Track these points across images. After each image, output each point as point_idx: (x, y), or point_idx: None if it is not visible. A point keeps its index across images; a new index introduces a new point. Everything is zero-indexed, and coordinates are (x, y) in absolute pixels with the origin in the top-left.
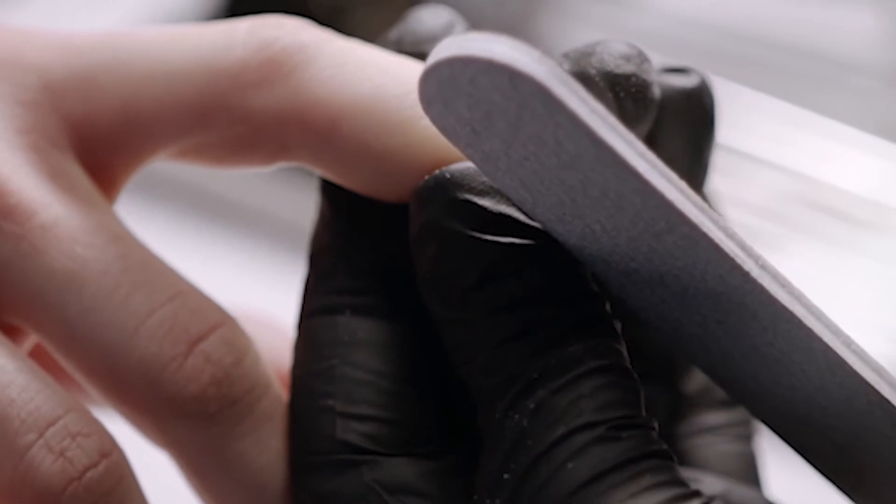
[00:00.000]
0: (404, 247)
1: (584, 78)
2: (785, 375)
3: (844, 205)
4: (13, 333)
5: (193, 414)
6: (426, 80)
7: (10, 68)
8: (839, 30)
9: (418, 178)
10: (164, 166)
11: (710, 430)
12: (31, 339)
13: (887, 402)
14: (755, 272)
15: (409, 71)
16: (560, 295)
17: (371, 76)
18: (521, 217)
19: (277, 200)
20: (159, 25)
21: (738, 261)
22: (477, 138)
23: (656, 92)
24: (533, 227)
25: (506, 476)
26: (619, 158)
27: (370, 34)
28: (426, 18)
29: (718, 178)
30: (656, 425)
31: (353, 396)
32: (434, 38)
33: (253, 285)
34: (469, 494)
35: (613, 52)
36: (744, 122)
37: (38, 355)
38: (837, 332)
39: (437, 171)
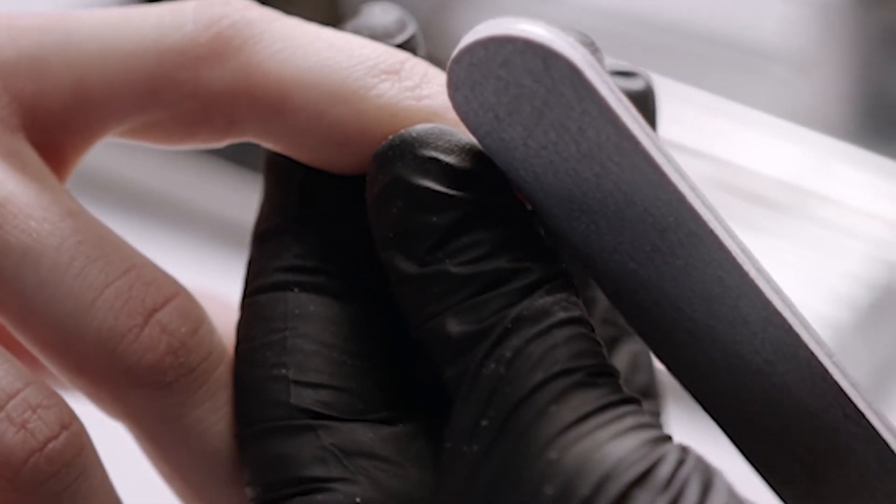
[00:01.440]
0: (352, 226)
1: None
2: (767, 388)
3: (763, 189)
4: None
5: (150, 383)
6: (458, 62)
7: None
8: (753, 18)
9: (370, 147)
10: (90, 163)
11: None
12: None
13: (862, 415)
14: (753, 274)
15: (356, 45)
16: (526, 250)
17: (319, 50)
18: (486, 174)
19: (201, 193)
20: (103, 8)
21: (739, 260)
22: (499, 125)
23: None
24: (497, 186)
25: (484, 423)
26: (641, 148)
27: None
28: (379, 14)
29: None
30: (620, 374)
31: (306, 366)
32: (388, 33)
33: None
34: (423, 460)
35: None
36: (665, 111)
37: None
38: (821, 342)
39: (401, 131)
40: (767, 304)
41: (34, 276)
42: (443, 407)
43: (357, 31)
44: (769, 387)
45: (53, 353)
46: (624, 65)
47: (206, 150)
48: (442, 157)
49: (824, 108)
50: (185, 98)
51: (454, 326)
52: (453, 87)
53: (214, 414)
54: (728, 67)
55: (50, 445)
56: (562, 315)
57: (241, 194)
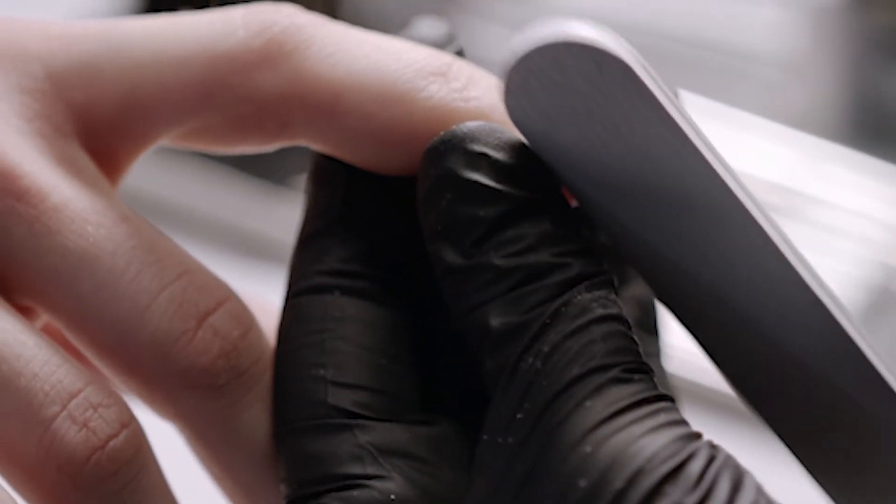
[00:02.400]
0: (393, 231)
1: None
2: (806, 376)
3: (757, 192)
4: (24, 313)
5: (203, 386)
6: (516, 68)
7: (14, 58)
8: (744, 22)
9: (419, 148)
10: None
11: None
12: (42, 320)
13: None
14: (802, 271)
15: (403, 48)
16: (569, 246)
17: (368, 53)
18: (534, 171)
19: (213, 202)
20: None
21: (787, 256)
22: (550, 126)
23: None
24: (543, 182)
25: (519, 416)
26: (691, 146)
27: None
28: (426, 27)
29: None
30: (654, 372)
31: (344, 367)
32: (436, 47)
33: None
34: (456, 461)
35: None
36: None
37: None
38: (863, 333)
39: (452, 128)
40: (815, 301)
41: (91, 281)
42: (476, 410)
43: None
44: (808, 375)
45: (108, 355)
46: None
47: (221, 158)
48: (491, 152)
49: (818, 111)
50: (239, 102)
51: (495, 318)
52: (508, 92)
53: (264, 415)
54: (721, 71)
55: (111, 444)
56: (600, 311)
57: (253, 204)
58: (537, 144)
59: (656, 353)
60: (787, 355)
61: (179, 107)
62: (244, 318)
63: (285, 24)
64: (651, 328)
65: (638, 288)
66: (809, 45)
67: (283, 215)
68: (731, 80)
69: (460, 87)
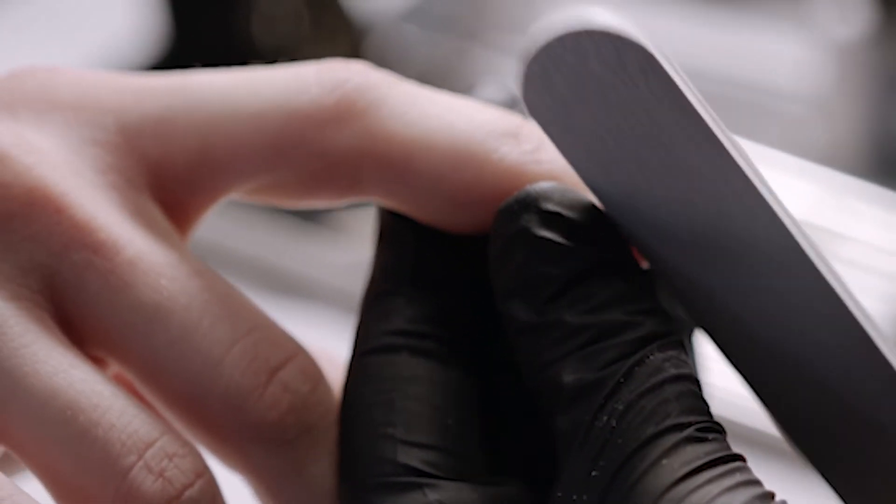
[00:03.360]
0: (460, 292)
1: None
2: (851, 414)
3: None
4: (96, 364)
5: (273, 439)
6: (535, 59)
7: (88, 111)
8: (767, 59)
9: (491, 208)
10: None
11: None
12: (112, 370)
13: None
14: (812, 254)
15: (474, 109)
16: (640, 305)
17: (440, 113)
18: (605, 231)
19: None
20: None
21: (806, 252)
22: (566, 113)
23: None
24: (614, 242)
25: (594, 473)
26: (709, 132)
27: None
28: (492, 91)
29: None
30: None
31: (413, 427)
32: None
33: None
34: None
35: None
36: None
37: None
38: None
39: (525, 187)
40: (878, 354)
41: (164, 334)
42: (540, 471)
43: None
44: (864, 422)
45: (180, 408)
46: None
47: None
48: (564, 211)
49: (841, 146)
50: (311, 159)
51: (568, 375)
52: (525, 81)
53: (332, 470)
54: (745, 108)
55: (187, 493)
56: (673, 371)
57: (284, 240)
58: (552, 130)
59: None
60: (844, 404)
61: (252, 162)
62: (313, 374)
63: (358, 81)
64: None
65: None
66: (832, 82)
67: (312, 252)
68: (755, 116)
69: (531, 148)
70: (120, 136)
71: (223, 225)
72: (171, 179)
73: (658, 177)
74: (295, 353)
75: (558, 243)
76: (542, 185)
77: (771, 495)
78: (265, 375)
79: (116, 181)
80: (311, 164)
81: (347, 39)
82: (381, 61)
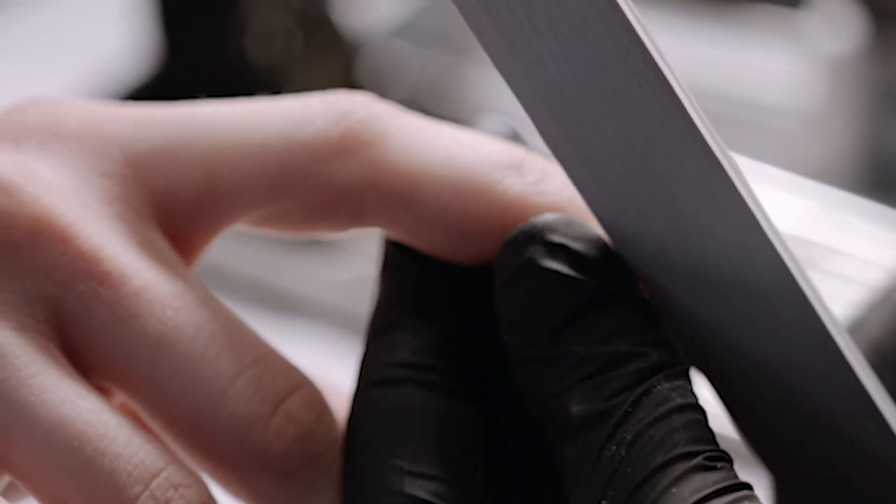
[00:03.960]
0: (463, 324)
1: None
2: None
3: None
4: (101, 394)
5: (278, 470)
6: None
7: (94, 142)
8: (759, 75)
9: (495, 239)
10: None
11: None
12: (117, 399)
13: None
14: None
15: (478, 140)
16: (646, 336)
17: (445, 146)
18: (610, 263)
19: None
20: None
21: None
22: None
23: None
24: (622, 272)
25: (603, 503)
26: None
27: (306, 91)
28: (492, 125)
29: None
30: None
31: (419, 458)
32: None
33: None
34: None
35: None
36: None
37: None
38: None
39: (531, 219)
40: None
41: (169, 364)
42: (540, 501)
43: None
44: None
45: (185, 437)
46: None
47: None
48: (570, 243)
49: (833, 161)
50: (316, 190)
51: (575, 406)
52: None
53: (338, 500)
54: (737, 123)
55: None
56: (680, 401)
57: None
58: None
59: None
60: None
61: (256, 193)
62: (318, 404)
63: (362, 113)
64: None
65: None
66: (824, 97)
67: (312, 270)
68: (747, 131)
69: (535, 180)
70: (126, 167)
71: (223, 245)
72: (176, 210)
73: (658, 207)
74: (300, 384)
75: (564, 274)
76: (548, 217)
77: None
78: (270, 406)
79: (123, 212)
80: (314, 196)
81: (340, 56)
82: (374, 78)
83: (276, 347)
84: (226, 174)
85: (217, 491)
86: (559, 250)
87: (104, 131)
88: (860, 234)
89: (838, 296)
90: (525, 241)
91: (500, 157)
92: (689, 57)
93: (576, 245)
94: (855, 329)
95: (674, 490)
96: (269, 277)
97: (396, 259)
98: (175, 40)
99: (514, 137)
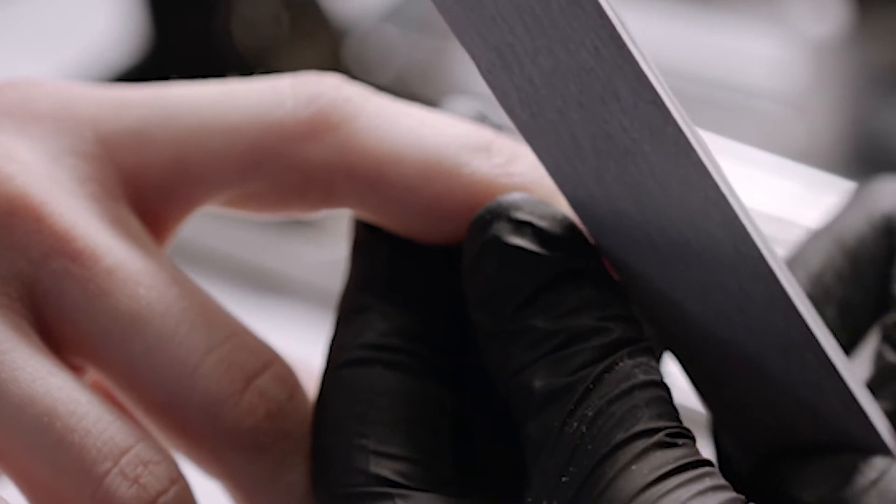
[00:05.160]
0: (433, 306)
1: None
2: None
3: (759, 224)
4: (74, 372)
5: (250, 446)
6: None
7: (67, 122)
8: (745, 58)
9: (462, 219)
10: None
11: None
12: (90, 377)
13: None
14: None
15: (447, 123)
16: (610, 311)
17: (413, 127)
18: (576, 239)
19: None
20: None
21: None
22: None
23: None
24: (587, 249)
25: (565, 479)
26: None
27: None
28: (459, 107)
29: None
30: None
31: (386, 438)
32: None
33: None
34: None
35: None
36: None
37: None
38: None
39: (497, 198)
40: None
41: (142, 342)
42: (510, 484)
43: None
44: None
45: (157, 414)
46: None
47: None
48: (535, 220)
49: (818, 144)
50: (285, 171)
51: (538, 381)
52: None
53: (309, 476)
54: (723, 106)
55: (161, 499)
56: (642, 377)
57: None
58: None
59: None
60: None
61: (227, 174)
62: (290, 381)
63: (332, 95)
64: None
65: None
66: (809, 80)
67: (292, 250)
68: (733, 114)
69: (503, 161)
70: (98, 146)
71: (203, 224)
72: (148, 190)
73: (625, 178)
74: (272, 361)
75: (529, 251)
76: (514, 196)
77: (742, 500)
78: (242, 382)
79: (95, 191)
80: (284, 176)
81: (327, 41)
82: (361, 62)
83: (254, 326)
84: (197, 154)
85: (189, 469)
86: (524, 227)
87: (78, 112)
88: None
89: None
90: (491, 218)
91: (468, 139)
92: (674, 41)
93: (541, 222)
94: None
95: (633, 467)
96: (252, 257)
97: (368, 240)
98: (162, 25)
99: (483, 119)
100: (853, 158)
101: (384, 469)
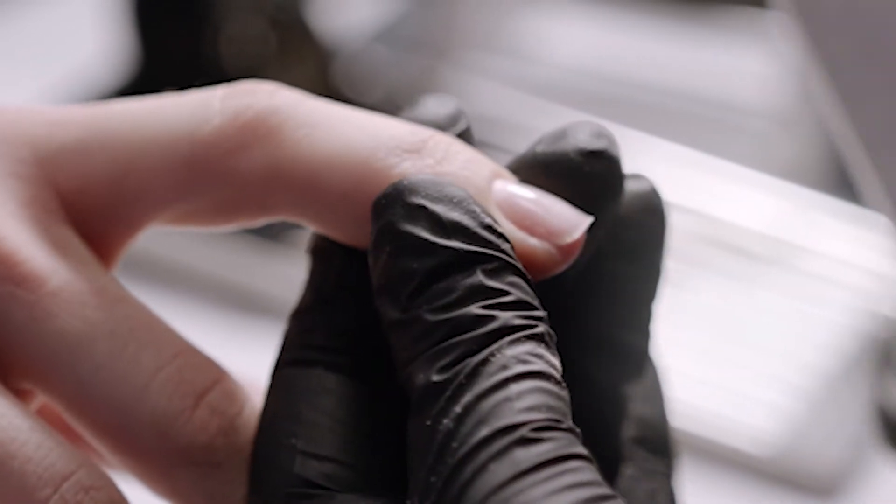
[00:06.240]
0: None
1: (560, 155)
2: None
3: (745, 242)
4: (21, 396)
5: (203, 463)
6: None
7: (6, 144)
8: (732, 76)
9: None
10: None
11: (642, 475)
12: (38, 401)
13: None
14: None
15: (380, 125)
16: (499, 299)
17: (344, 132)
18: (471, 224)
19: (231, 266)
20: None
21: None
22: None
23: (623, 169)
24: (480, 235)
25: (432, 479)
26: None
27: None
28: (432, 106)
29: None
30: (579, 432)
31: (316, 438)
32: (438, 127)
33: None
34: None
35: (585, 131)
36: (647, 168)
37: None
38: None
39: (395, 181)
40: None
41: (89, 362)
42: None
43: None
44: None
45: (107, 435)
46: (631, 171)
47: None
48: (429, 204)
49: (804, 161)
50: (221, 186)
51: (419, 376)
52: None
53: None
54: (709, 123)
55: None
56: (519, 368)
57: (247, 259)
58: None
59: (665, 472)
60: None
61: (164, 192)
62: (239, 396)
63: (260, 107)
64: (659, 448)
65: (643, 406)
66: (795, 97)
67: (275, 270)
68: (719, 131)
69: (434, 162)
70: (37, 168)
71: (185, 244)
72: (89, 210)
73: None
74: (220, 377)
75: (420, 237)
76: (411, 179)
77: (608, 496)
78: (193, 399)
79: (38, 213)
80: (220, 192)
81: (315, 60)
82: (350, 81)
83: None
84: (133, 174)
85: (142, 491)
86: (418, 212)
87: (16, 133)
88: (832, 233)
89: (810, 294)
90: (386, 204)
91: (399, 141)
92: (660, 58)
93: (434, 206)
94: None
95: (491, 466)
96: (233, 276)
97: (322, 246)
98: (151, 44)
99: (454, 119)
100: (839, 175)
101: (309, 470)
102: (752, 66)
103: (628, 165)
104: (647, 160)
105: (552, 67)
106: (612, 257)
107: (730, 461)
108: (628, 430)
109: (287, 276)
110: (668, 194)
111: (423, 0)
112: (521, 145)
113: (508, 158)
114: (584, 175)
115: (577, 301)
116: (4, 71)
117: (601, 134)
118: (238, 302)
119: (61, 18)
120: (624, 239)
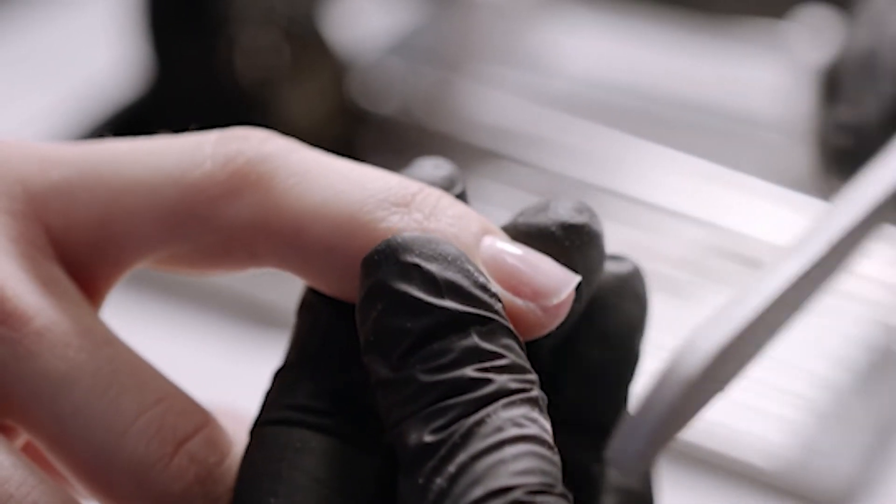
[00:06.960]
0: (365, 370)
1: (541, 228)
2: None
3: (756, 253)
4: (5, 432)
5: None
6: None
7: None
8: (745, 87)
9: None
10: None
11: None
12: (23, 438)
13: None
14: None
15: (369, 177)
16: (494, 362)
17: (333, 183)
18: (465, 284)
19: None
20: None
21: None
22: None
23: (605, 244)
24: (475, 296)
25: None
26: None
27: (297, 107)
28: (428, 169)
29: (638, 232)
30: (572, 498)
31: (294, 497)
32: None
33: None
34: None
35: (567, 206)
36: (659, 179)
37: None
38: None
39: (388, 238)
40: None
41: (70, 402)
42: None
43: None
44: None
45: (86, 476)
46: (613, 253)
47: None
48: (424, 263)
49: (816, 173)
50: (207, 232)
51: (411, 436)
52: None
53: None
54: (723, 135)
55: None
56: (514, 431)
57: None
58: None
59: None
60: None
61: (150, 235)
62: (222, 445)
63: (250, 154)
64: None
65: (621, 477)
66: (808, 109)
67: (287, 281)
68: (733, 143)
69: (422, 217)
70: (27, 205)
71: None
72: (77, 249)
73: None
74: (204, 424)
75: (414, 297)
76: (405, 236)
77: None
78: (172, 446)
79: (27, 250)
80: (206, 238)
81: (330, 73)
82: (365, 94)
83: (182, 389)
84: (119, 215)
85: None
86: (412, 270)
87: (9, 169)
88: None
89: (823, 305)
90: (379, 260)
91: (388, 195)
92: (674, 69)
93: (429, 266)
94: None
95: None
96: (254, 291)
97: (311, 301)
98: (165, 57)
99: (450, 183)
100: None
101: None
102: (766, 78)
103: (644, 176)
104: (660, 171)
105: (566, 79)
106: (589, 342)
107: (739, 474)
108: (608, 502)
109: (298, 287)
110: (682, 206)
111: (438, 12)
112: (535, 157)
113: (521, 170)
114: (564, 249)
115: (552, 377)
116: (18, 82)
117: (583, 209)
118: (250, 314)
119: (76, 30)
120: (601, 324)
